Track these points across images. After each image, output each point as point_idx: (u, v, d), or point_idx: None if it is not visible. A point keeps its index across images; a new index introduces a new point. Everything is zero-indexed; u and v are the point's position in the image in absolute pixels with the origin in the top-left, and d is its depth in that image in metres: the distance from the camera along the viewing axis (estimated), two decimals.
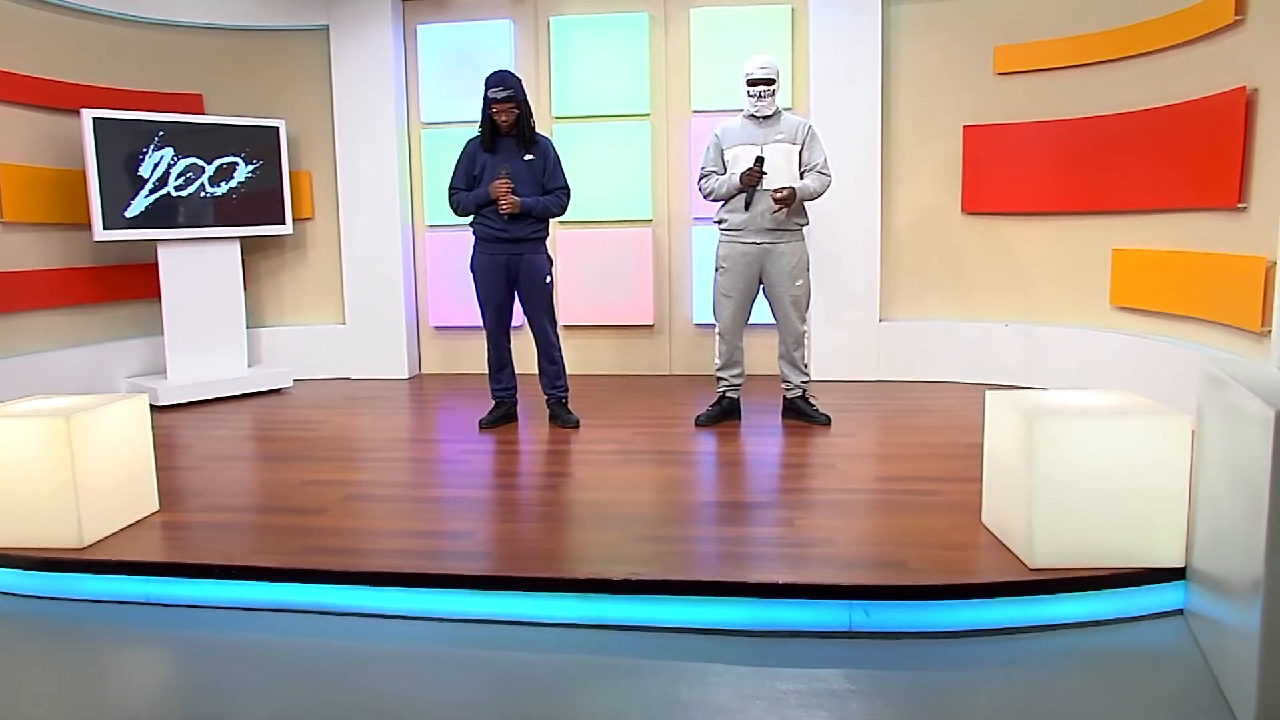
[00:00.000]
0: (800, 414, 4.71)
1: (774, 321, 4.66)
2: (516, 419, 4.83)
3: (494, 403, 4.78)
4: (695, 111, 5.93)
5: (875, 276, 5.70)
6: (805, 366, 4.67)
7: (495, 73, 4.42)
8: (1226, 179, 4.00)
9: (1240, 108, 3.89)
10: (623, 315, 6.10)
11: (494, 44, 6.04)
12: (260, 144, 5.83)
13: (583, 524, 3.25)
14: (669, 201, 6.05)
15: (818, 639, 2.59)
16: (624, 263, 6.05)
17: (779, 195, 4.32)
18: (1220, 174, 4.06)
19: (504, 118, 4.39)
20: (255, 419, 5.12)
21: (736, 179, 4.39)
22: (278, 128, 5.88)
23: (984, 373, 5.58)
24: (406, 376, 6.24)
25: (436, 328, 6.36)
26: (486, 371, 4.73)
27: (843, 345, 5.73)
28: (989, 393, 3.06)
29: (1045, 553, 2.66)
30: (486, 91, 4.38)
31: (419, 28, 6.11)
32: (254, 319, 6.15)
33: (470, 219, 4.60)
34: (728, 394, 4.74)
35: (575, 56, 5.96)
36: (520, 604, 2.72)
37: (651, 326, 6.16)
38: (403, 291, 6.18)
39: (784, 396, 4.78)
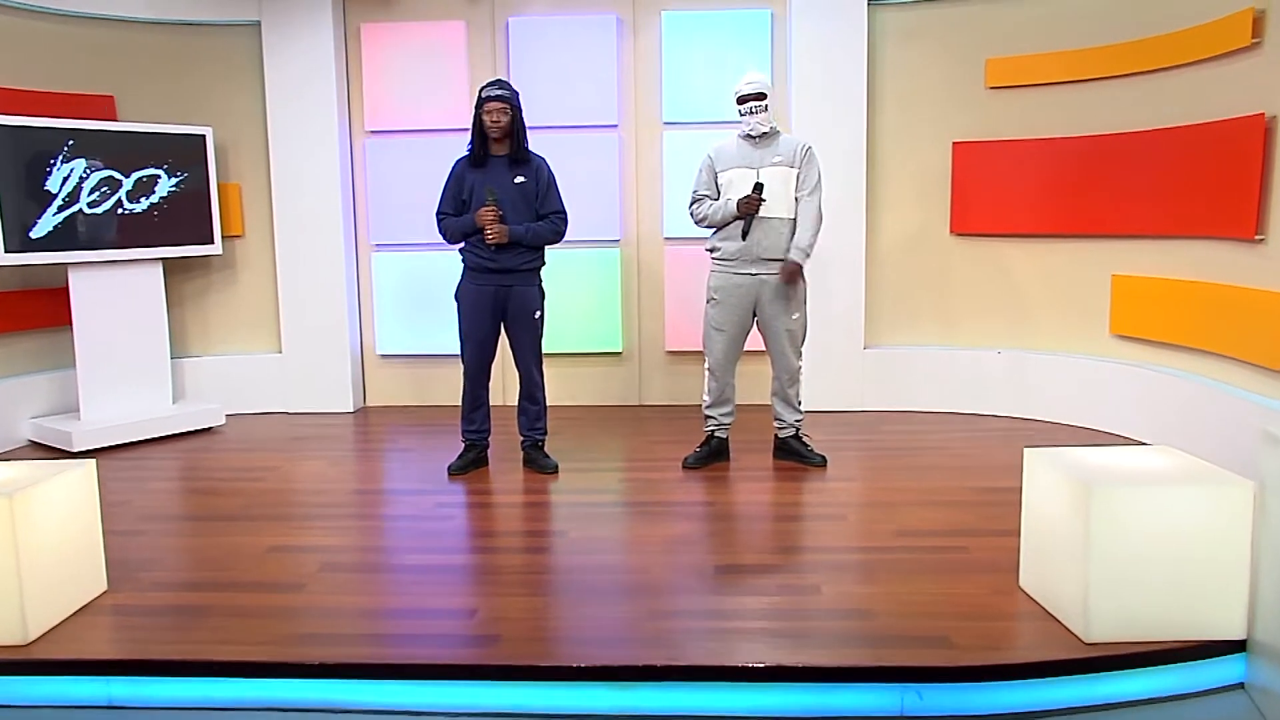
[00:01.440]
0: (794, 454, 4.72)
1: (762, 349, 4.66)
2: (487, 462, 4.74)
3: (464, 445, 4.67)
4: (667, 123, 5.90)
5: (860, 300, 5.75)
6: (799, 404, 4.68)
7: (493, 80, 4.43)
8: (1243, 209, 4.13)
9: (1259, 135, 4.02)
10: (589, 342, 6.04)
11: (445, 46, 5.91)
12: (185, 154, 5.59)
13: (589, 596, 3.17)
14: (639, 220, 6.01)
15: None
16: (590, 286, 5.98)
17: (786, 275, 4.38)
18: (1235, 203, 4.18)
19: (496, 118, 4.30)
20: (191, 467, 4.90)
21: (733, 206, 4.37)
22: (204, 136, 5.65)
23: (975, 402, 5.67)
24: (351, 410, 6.07)
25: (384, 356, 6.20)
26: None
27: (826, 374, 5.75)
28: (1028, 451, 3.09)
29: (1101, 627, 2.70)
30: (480, 93, 4.34)
31: (362, 27, 5.94)
32: (176, 348, 5.90)
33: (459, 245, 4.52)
34: (716, 434, 4.72)
35: (535, 61, 5.87)
36: (542, 694, 2.65)
37: (620, 354, 6.10)
38: (346, 316, 6.00)
39: (776, 435, 4.78)
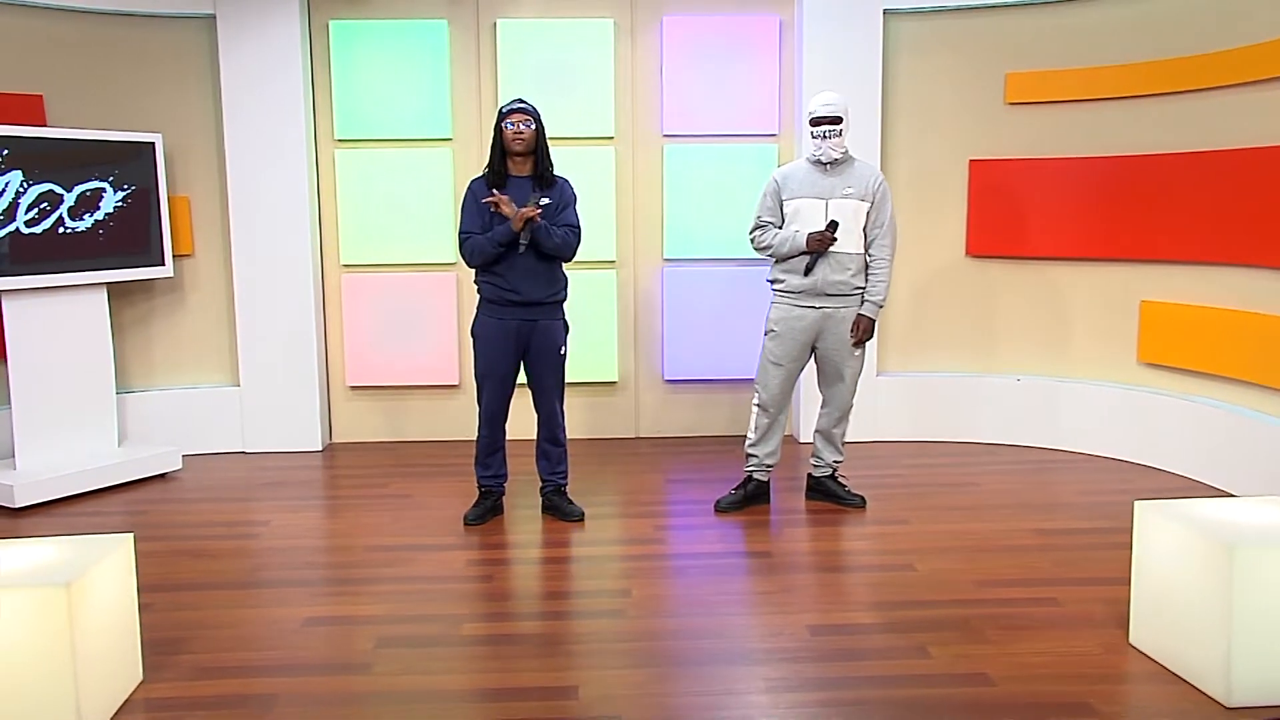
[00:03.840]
0: (830, 495, 4.82)
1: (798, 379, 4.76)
2: (503, 509, 4.71)
3: (480, 492, 4.64)
4: (668, 136, 5.94)
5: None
6: (843, 445, 4.79)
7: (515, 98, 4.47)
8: None
9: None
10: (583, 371, 6.01)
11: (424, 47, 5.82)
12: (132, 165, 5.37)
13: (690, 666, 3.18)
14: (635, 240, 6.03)
15: None
16: (584, 310, 5.94)
17: (858, 338, 4.55)
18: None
19: (519, 129, 4.29)
20: (163, 523, 4.69)
21: (802, 240, 4.44)
22: (153, 144, 5.44)
23: (993, 432, 5.88)
24: (319, 448, 5.92)
25: (354, 388, 6.06)
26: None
27: None
28: (1139, 505, 3.25)
29: (1245, 690, 2.86)
30: (501, 109, 4.36)
31: (331, 24, 5.80)
32: (117, 382, 5.64)
33: (474, 274, 4.49)
34: (756, 476, 4.77)
35: (525, 67, 5.83)
36: None
37: (615, 384, 6.12)
38: (315, 345, 5.85)
39: (810, 474, 4.88)
